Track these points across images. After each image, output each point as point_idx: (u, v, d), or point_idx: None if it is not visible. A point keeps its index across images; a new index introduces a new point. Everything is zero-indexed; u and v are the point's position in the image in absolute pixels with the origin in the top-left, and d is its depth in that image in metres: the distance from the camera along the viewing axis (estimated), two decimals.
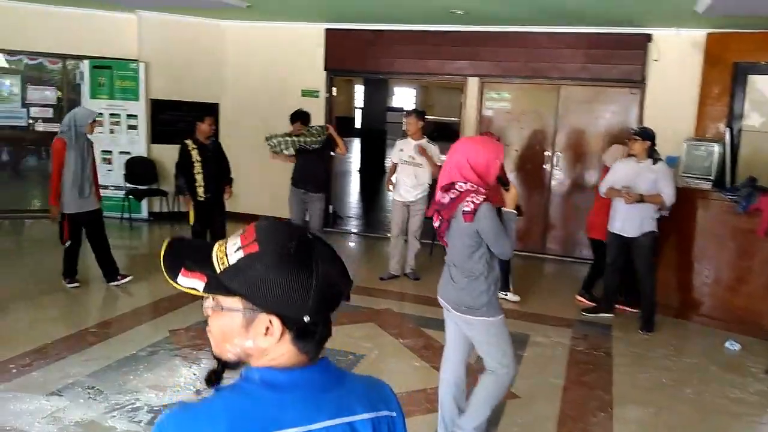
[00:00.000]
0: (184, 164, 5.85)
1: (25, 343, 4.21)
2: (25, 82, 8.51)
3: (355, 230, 8.83)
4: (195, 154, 5.84)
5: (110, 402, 3.48)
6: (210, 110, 8.38)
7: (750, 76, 6.59)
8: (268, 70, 8.41)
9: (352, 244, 8.11)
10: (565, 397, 3.95)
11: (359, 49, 8.13)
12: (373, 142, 15.42)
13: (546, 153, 7.62)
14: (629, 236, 5.22)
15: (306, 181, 6.26)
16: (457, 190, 2.91)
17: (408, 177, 6.18)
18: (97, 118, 5.53)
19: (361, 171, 15.07)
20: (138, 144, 8.22)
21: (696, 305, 5.59)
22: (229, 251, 0.97)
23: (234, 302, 0.96)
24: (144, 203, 8.21)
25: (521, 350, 4.63)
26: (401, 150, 6.20)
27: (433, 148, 6.18)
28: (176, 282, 0.99)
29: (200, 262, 0.98)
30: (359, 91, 19.03)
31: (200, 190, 5.86)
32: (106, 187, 7.10)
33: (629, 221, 5.19)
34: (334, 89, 8.51)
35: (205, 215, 5.97)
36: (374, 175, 13.94)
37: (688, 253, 5.61)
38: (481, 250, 2.93)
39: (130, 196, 7.99)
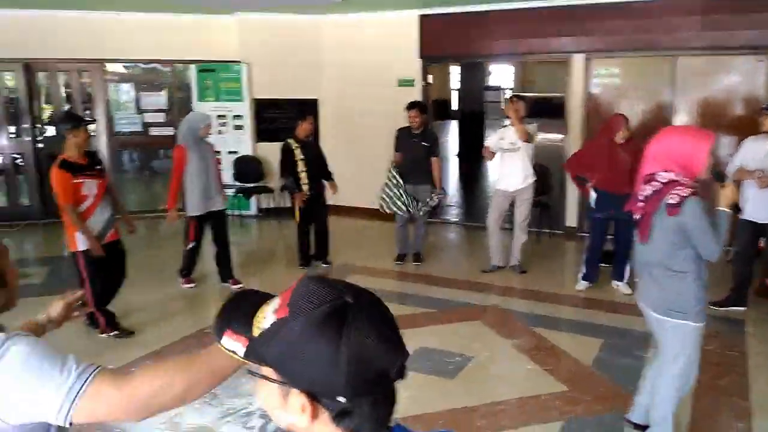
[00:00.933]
0: (288, 163, 5.94)
1: (146, 344, 4.45)
2: (139, 89, 9.03)
3: (454, 219, 8.66)
4: (298, 153, 5.93)
5: (224, 406, 3.59)
6: (309, 107, 8.50)
7: None
8: (363, 62, 8.37)
9: (451, 235, 7.96)
10: (696, 404, 3.62)
11: (455, 33, 7.89)
12: (472, 125, 15.05)
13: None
14: (763, 222, 4.73)
15: (413, 173, 6.16)
16: (658, 181, 2.73)
17: (513, 165, 5.88)
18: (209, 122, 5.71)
19: (459, 155, 14.77)
20: (244, 143, 8.49)
21: None
22: (268, 313, 0.86)
23: (268, 372, 0.85)
24: (252, 200, 8.50)
25: (643, 351, 4.32)
26: (501, 138, 5.94)
27: (532, 126, 5.86)
28: (220, 343, 0.90)
29: (246, 324, 0.88)
30: (454, 73, 18.64)
31: (305, 188, 5.95)
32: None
33: (760, 205, 4.70)
34: (430, 77, 8.34)
35: (309, 212, 6.06)
36: (474, 160, 13.60)
37: None
38: (688, 249, 2.71)
39: (240, 194, 8.28)
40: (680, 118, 6.96)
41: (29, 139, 8.25)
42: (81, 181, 4.31)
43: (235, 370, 1.21)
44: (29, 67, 8.08)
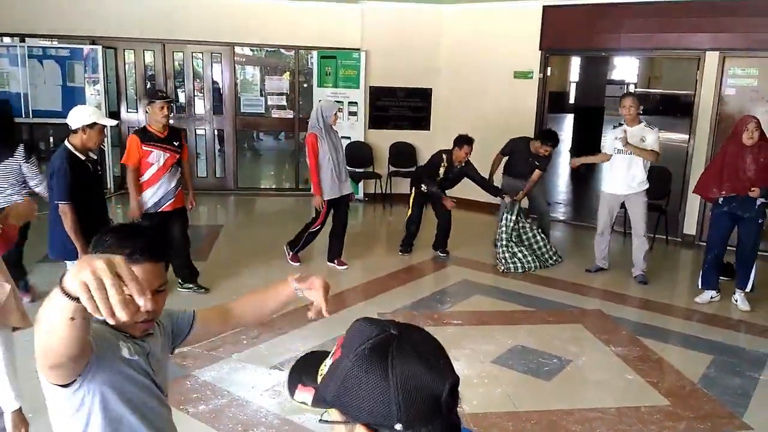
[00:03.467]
0: (430, 174, 6.17)
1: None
2: (264, 73, 9.52)
3: (562, 217, 8.43)
4: (441, 171, 6.13)
5: None
6: (424, 97, 8.60)
7: None
8: (480, 52, 8.30)
9: (557, 233, 7.76)
10: None
11: (579, 26, 7.64)
12: (588, 120, 14.46)
13: None
14: None
15: (522, 176, 6.36)
16: None
17: (623, 167, 5.61)
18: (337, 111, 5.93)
19: (572, 152, 14.26)
20: (357, 129, 8.72)
21: None
22: (327, 360, 0.94)
23: (334, 414, 0.91)
24: (360, 185, 8.74)
25: (757, 372, 4.05)
26: (616, 138, 5.70)
27: (652, 135, 5.56)
28: (293, 397, 0.99)
29: (314, 376, 0.96)
30: (574, 65, 17.97)
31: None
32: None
33: None
34: (549, 69, 8.14)
35: (424, 204, 6.33)
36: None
37: None
38: None
39: (349, 179, 8.53)
40: None
41: None
42: (149, 149, 4.69)
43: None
44: (165, 48, 8.74)
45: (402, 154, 8.67)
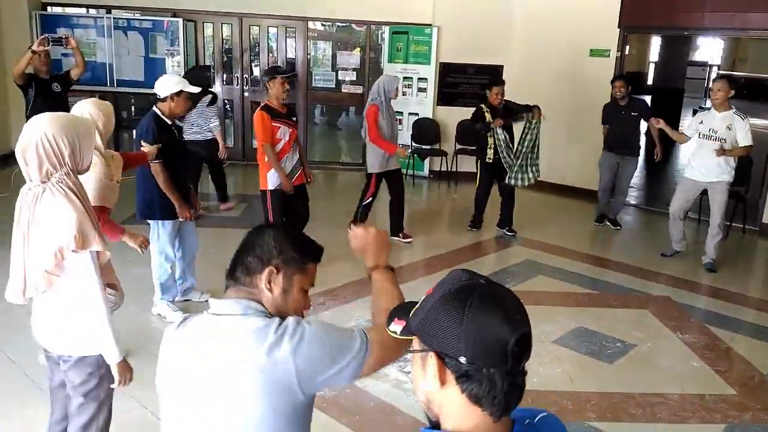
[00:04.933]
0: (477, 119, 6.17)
1: (321, 284, 4.87)
2: (335, 48, 9.61)
3: (634, 202, 8.20)
4: (488, 116, 6.05)
5: None
6: (494, 73, 8.51)
7: None
8: (555, 29, 8.10)
9: (628, 218, 7.58)
10: None
11: (660, 2, 7.35)
12: (667, 101, 13.88)
13: None
14: None
15: (621, 145, 6.49)
16: None
17: (708, 154, 5.35)
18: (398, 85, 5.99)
19: (647, 134, 13.75)
20: (426, 106, 8.73)
21: None
22: (421, 299, 1.04)
23: (416, 343, 1.02)
24: (426, 162, 8.77)
25: None
26: (701, 122, 5.48)
27: (741, 125, 5.28)
28: (388, 329, 1.09)
29: (409, 311, 1.06)
30: (654, 44, 17.21)
31: (490, 152, 6.08)
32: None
33: None
34: (627, 47, 7.86)
35: (491, 177, 6.22)
36: (665, 141, 12.59)
37: None
38: None
39: (415, 155, 8.58)
40: None
41: (238, 87, 9.22)
42: (278, 125, 4.80)
43: None
44: (243, 21, 8.96)
45: (469, 132, 8.61)
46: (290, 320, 1.38)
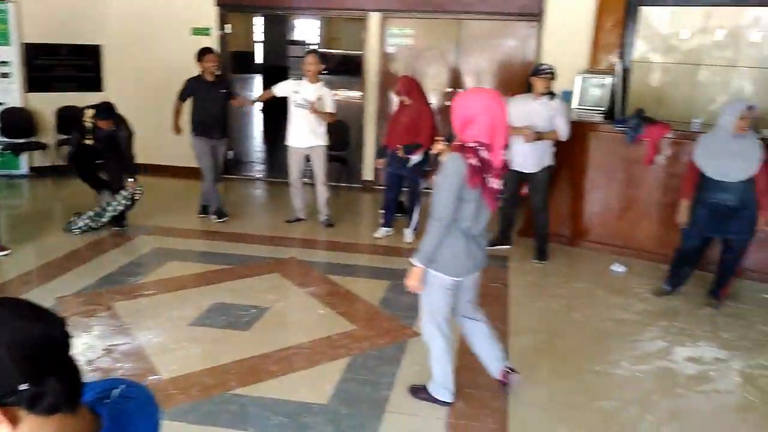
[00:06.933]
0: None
1: None
2: None
3: (258, 175, 8.59)
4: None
5: None
6: (91, 53, 7.80)
7: (641, 7, 6.67)
8: (154, 7, 7.80)
9: (256, 191, 7.91)
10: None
11: None
12: (276, 79, 14.79)
13: (449, 90, 7.59)
14: (528, 172, 5.37)
15: (211, 127, 6.06)
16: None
17: (303, 122, 5.98)
18: None
19: (263, 111, 14.50)
20: (12, 93, 7.49)
21: (586, 232, 5.90)
22: None
23: None
24: (23, 158, 7.59)
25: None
26: (296, 92, 5.99)
27: (328, 96, 6.00)
28: None
29: None
30: (258, 25, 18.13)
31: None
32: None
33: (529, 158, 5.30)
34: (227, 26, 8.04)
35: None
36: (278, 116, 13.43)
37: (580, 183, 5.86)
38: None
39: (7, 151, 7.34)
40: (462, 78, 7.55)
41: None
42: None
43: None
44: None
45: (73, 119, 7.73)
46: None
